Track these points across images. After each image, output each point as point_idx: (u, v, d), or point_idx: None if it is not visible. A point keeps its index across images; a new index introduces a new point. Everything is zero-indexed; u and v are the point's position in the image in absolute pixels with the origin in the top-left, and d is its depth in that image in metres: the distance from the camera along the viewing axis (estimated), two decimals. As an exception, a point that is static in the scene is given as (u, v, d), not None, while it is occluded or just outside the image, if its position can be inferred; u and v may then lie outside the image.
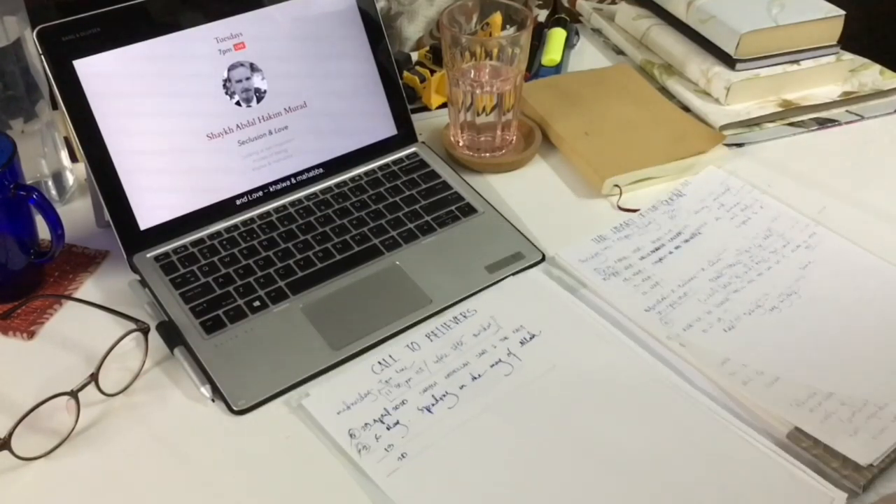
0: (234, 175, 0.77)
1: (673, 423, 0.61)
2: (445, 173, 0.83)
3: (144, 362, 0.66)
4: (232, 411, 0.63)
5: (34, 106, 0.79)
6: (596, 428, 0.61)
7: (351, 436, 0.60)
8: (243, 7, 0.76)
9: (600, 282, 0.72)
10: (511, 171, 0.87)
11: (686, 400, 0.63)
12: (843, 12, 0.94)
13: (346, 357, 0.66)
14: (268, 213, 0.78)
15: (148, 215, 0.74)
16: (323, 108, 0.81)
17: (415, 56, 1.03)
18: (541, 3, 1.18)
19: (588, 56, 1.08)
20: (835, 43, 0.95)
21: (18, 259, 0.71)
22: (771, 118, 0.92)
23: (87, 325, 0.69)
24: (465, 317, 0.69)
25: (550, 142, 0.90)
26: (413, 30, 1.10)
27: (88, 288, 0.74)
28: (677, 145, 0.86)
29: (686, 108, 0.95)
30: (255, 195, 0.78)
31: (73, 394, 0.61)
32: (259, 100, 0.78)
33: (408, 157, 0.85)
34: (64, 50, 0.69)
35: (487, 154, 0.87)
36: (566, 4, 1.18)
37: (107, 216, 0.73)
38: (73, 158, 0.84)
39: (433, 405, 0.62)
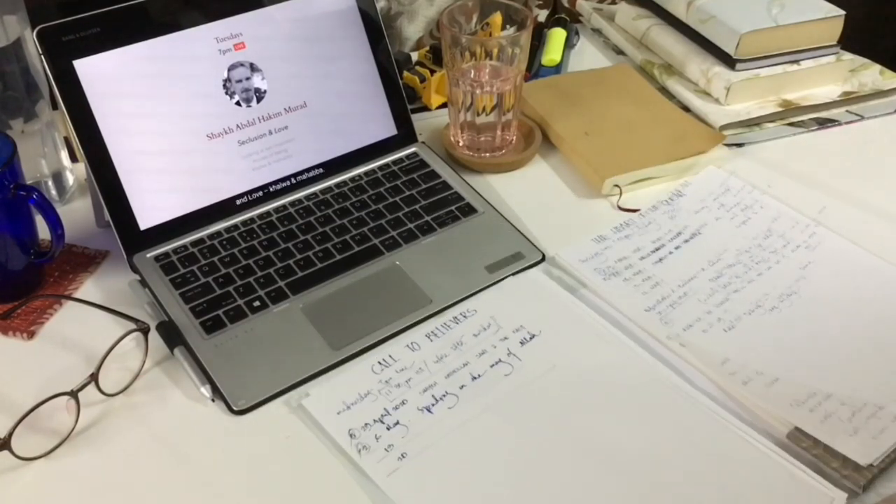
0: (234, 175, 0.77)
1: (673, 423, 0.61)
2: (445, 173, 0.83)
3: (144, 362, 0.66)
4: (232, 411, 0.63)
5: (34, 106, 0.79)
6: (596, 428, 0.61)
7: (351, 436, 0.60)
8: (243, 7, 0.76)
9: (600, 282, 0.72)
10: (511, 171, 0.87)
11: (686, 400, 0.63)
12: (843, 12, 0.94)
13: (346, 357, 0.66)
14: (268, 213, 0.78)
15: (148, 215, 0.74)
16: (323, 108, 0.81)
17: (415, 56, 1.03)
18: (541, 3, 1.18)
19: (588, 56, 1.08)
20: (835, 43, 0.95)
21: (18, 259, 0.71)
22: (771, 118, 0.92)
23: (87, 325, 0.69)
24: (465, 317, 0.69)
25: (550, 142, 0.90)
26: (413, 30, 1.10)
27: (88, 288, 0.74)
28: (677, 145, 0.86)
29: (686, 108, 0.95)
30: (255, 195, 0.78)
31: (73, 394, 0.61)
32: (259, 100, 0.78)
33: (408, 157, 0.85)
34: (64, 50, 0.69)
35: (487, 154, 0.87)
36: (566, 4, 1.18)
37: (107, 216, 0.73)
38: (73, 158, 0.84)
39: (433, 405, 0.62)
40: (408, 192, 0.81)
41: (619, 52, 1.08)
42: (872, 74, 0.98)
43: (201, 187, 0.76)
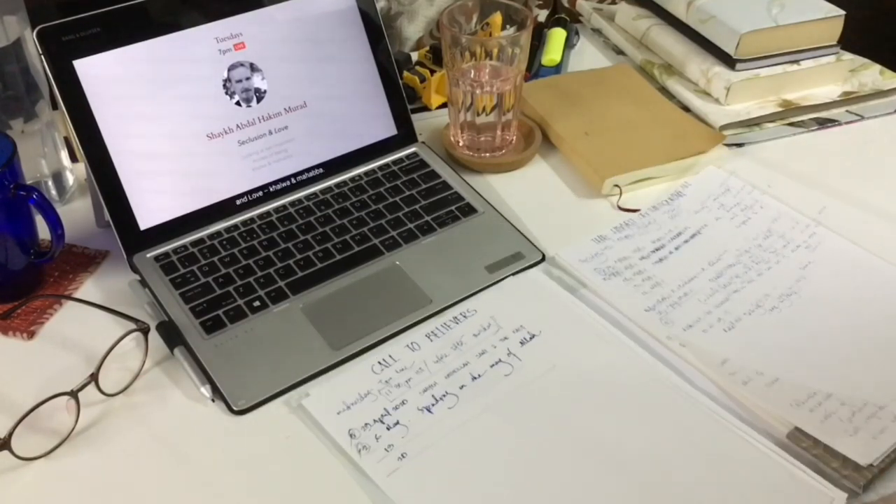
0: (234, 175, 0.77)
1: (673, 423, 0.61)
2: (445, 173, 0.83)
3: (144, 362, 0.66)
4: (232, 411, 0.63)
5: (34, 106, 0.79)
6: (596, 428, 0.61)
7: (351, 436, 0.60)
8: (243, 7, 0.76)
9: (601, 282, 0.72)
10: (511, 171, 0.87)
11: (686, 400, 0.63)
12: (843, 12, 0.94)
13: (346, 357, 0.66)
14: (268, 213, 0.78)
15: (148, 215, 0.74)
16: (323, 108, 0.81)
17: (415, 56, 1.03)
18: (541, 3, 1.18)
19: (588, 56, 1.08)
20: (835, 43, 0.95)
21: (18, 259, 0.71)
22: (771, 118, 0.92)
23: (87, 325, 0.69)
24: (465, 317, 0.69)
25: (550, 142, 0.90)
26: (413, 30, 1.10)
27: (88, 288, 0.74)
28: (677, 145, 0.86)
29: (686, 108, 0.95)
30: (255, 195, 0.78)
31: (73, 394, 0.61)
32: (259, 100, 0.78)
33: (408, 157, 0.85)
34: (64, 50, 0.69)
35: (487, 154, 0.87)
36: (566, 4, 1.18)
37: (107, 216, 0.73)
38: (73, 158, 0.84)
39: (433, 405, 0.62)
40: (408, 192, 0.81)
41: (619, 52, 1.08)
42: (872, 74, 0.98)
43: (201, 187, 0.76)
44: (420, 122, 0.90)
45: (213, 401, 0.63)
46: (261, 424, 0.62)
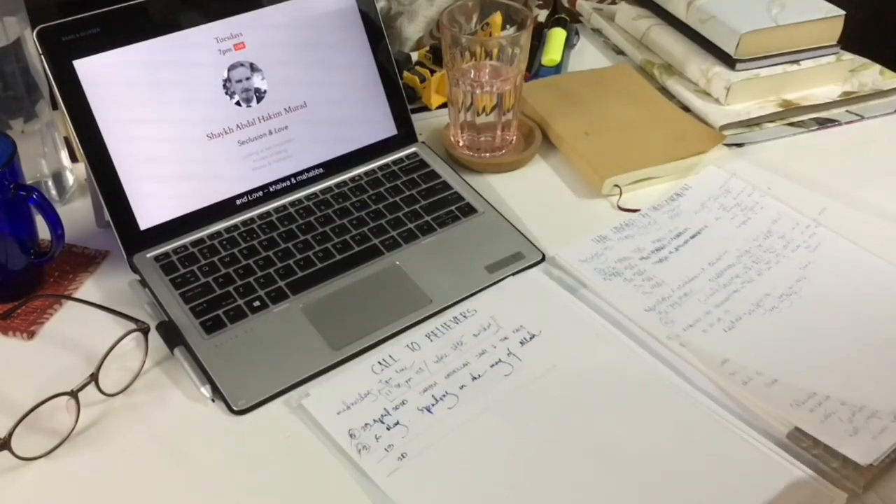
0: (234, 175, 0.77)
1: (673, 423, 0.61)
2: (445, 173, 0.83)
3: (144, 362, 0.66)
4: (232, 411, 0.63)
5: (34, 106, 0.79)
6: (596, 428, 0.61)
7: (351, 436, 0.60)
8: (243, 7, 0.76)
9: (601, 282, 0.72)
10: (511, 171, 0.87)
11: (686, 400, 0.63)
12: (843, 12, 0.94)
13: (346, 357, 0.66)
14: (268, 213, 0.78)
15: (148, 215, 0.74)
16: (323, 108, 0.81)
17: (415, 56, 1.03)
18: (541, 3, 1.18)
19: (588, 56, 1.08)
20: (835, 43, 0.95)
21: (18, 259, 0.71)
22: (771, 118, 0.92)
23: (87, 325, 0.69)
24: (465, 317, 0.69)
25: (550, 142, 0.90)
26: (413, 30, 1.10)
27: (88, 288, 0.74)
28: (677, 145, 0.86)
29: (686, 108, 0.95)
30: (255, 195, 0.78)
31: (73, 394, 0.61)
32: (259, 100, 0.78)
33: (408, 157, 0.85)
34: (64, 50, 0.69)
35: (487, 154, 0.87)
36: (566, 4, 1.18)
37: (107, 216, 0.73)
38: (73, 158, 0.84)
39: (433, 405, 0.62)
40: (408, 192, 0.81)
41: (619, 52, 1.08)
42: (872, 74, 0.98)
43: (201, 187, 0.76)
44: (420, 122, 0.90)
45: (213, 401, 0.63)
46: (261, 424, 0.62)
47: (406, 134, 0.85)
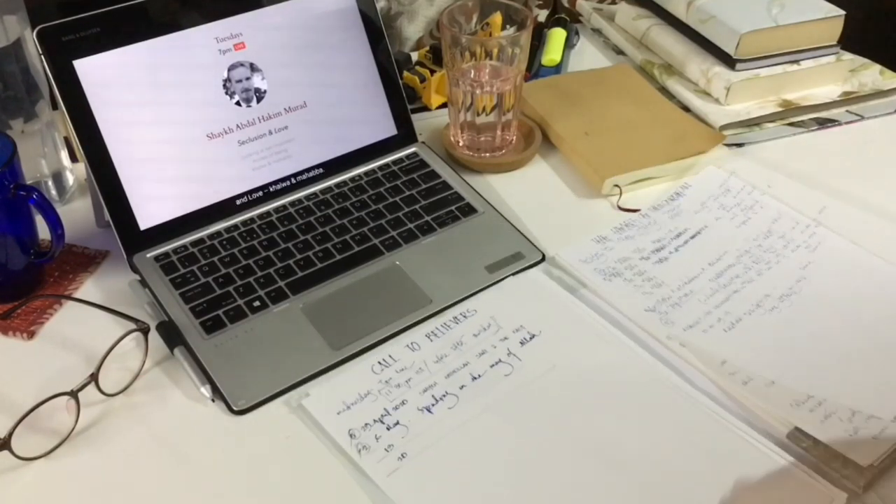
0: (234, 175, 0.77)
1: (673, 423, 0.61)
2: (445, 173, 0.83)
3: (144, 362, 0.66)
4: (232, 411, 0.63)
5: (34, 106, 0.79)
6: (596, 428, 0.61)
7: (351, 436, 0.60)
8: (243, 7, 0.76)
9: (601, 282, 0.72)
10: (511, 171, 0.87)
11: (686, 400, 0.63)
12: (843, 12, 0.94)
13: (346, 357, 0.66)
14: (268, 213, 0.78)
15: (148, 215, 0.74)
16: (323, 109, 0.81)
17: (415, 56, 1.03)
18: (541, 3, 1.18)
19: (588, 56, 1.08)
20: (835, 43, 0.95)
21: (18, 259, 0.71)
22: (771, 118, 0.92)
23: (87, 325, 0.69)
24: (465, 317, 0.69)
25: (550, 142, 0.90)
26: (413, 30, 1.10)
27: (88, 288, 0.74)
28: (677, 145, 0.86)
29: (686, 108, 0.95)
30: (255, 195, 0.78)
31: (73, 394, 0.61)
32: (259, 100, 0.78)
33: (408, 157, 0.85)
34: (64, 50, 0.69)
35: (487, 154, 0.87)
36: (566, 4, 1.18)
37: (107, 216, 0.73)
38: (73, 158, 0.84)
39: (433, 405, 0.62)
40: (408, 192, 0.81)
41: (619, 52, 1.08)
42: (872, 74, 0.98)
43: (201, 187, 0.76)
44: (420, 122, 0.90)
45: (213, 401, 0.63)
46: (261, 424, 0.62)
47: (406, 134, 0.85)
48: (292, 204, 0.79)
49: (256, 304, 0.70)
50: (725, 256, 0.75)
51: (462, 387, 0.64)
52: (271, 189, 0.79)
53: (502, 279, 0.73)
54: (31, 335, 0.69)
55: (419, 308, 0.70)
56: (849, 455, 0.58)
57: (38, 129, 0.80)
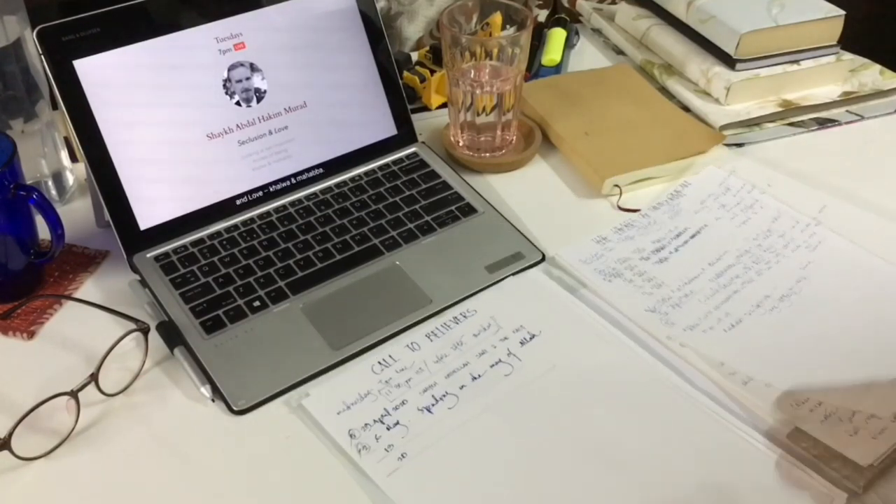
0: (234, 175, 0.77)
1: (673, 423, 0.61)
2: (445, 173, 0.83)
3: (144, 362, 0.66)
4: (232, 411, 0.63)
5: (34, 106, 0.79)
6: (596, 428, 0.61)
7: (351, 436, 0.60)
8: (243, 7, 0.76)
9: (602, 282, 0.72)
10: (511, 171, 0.87)
11: (686, 400, 0.63)
12: (843, 12, 0.94)
13: (346, 357, 0.66)
14: (268, 213, 0.78)
15: (148, 215, 0.74)
16: (323, 109, 0.81)
17: (415, 56, 1.03)
18: (541, 3, 1.18)
19: (588, 56, 1.08)
20: (835, 43, 0.95)
21: (18, 259, 0.71)
22: (771, 118, 0.92)
23: (87, 325, 0.69)
24: (465, 317, 0.69)
25: (550, 142, 0.90)
26: (413, 30, 1.10)
27: (88, 288, 0.74)
28: (677, 145, 0.86)
29: (686, 108, 0.95)
30: (255, 195, 0.78)
31: (73, 394, 0.61)
32: (259, 100, 0.78)
33: (408, 157, 0.85)
34: (64, 50, 0.69)
35: (487, 154, 0.87)
36: (566, 4, 1.18)
37: (107, 216, 0.73)
38: (73, 158, 0.84)
39: (433, 405, 0.62)
40: (408, 192, 0.81)
41: (619, 52, 1.08)
42: (872, 74, 0.98)
43: (201, 187, 0.76)
44: (420, 122, 0.90)
45: (213, 401, 0.63)
46: (261, 424, 0.62)
47: (406, 134, 0.85)
48: (292, 204, 0.79)
49: (256, 304, 0.70)
50: (725, 256, 0.75)
51: (462, 387, 0.64)
52: (271, 189, 0.79)
53: (502, 279, 0.73)
54: (31, 335, 0.69)
55: (419, 308, 0.70)
56: (849, 455, 0.58)
57: (38, 129, 0.80)
